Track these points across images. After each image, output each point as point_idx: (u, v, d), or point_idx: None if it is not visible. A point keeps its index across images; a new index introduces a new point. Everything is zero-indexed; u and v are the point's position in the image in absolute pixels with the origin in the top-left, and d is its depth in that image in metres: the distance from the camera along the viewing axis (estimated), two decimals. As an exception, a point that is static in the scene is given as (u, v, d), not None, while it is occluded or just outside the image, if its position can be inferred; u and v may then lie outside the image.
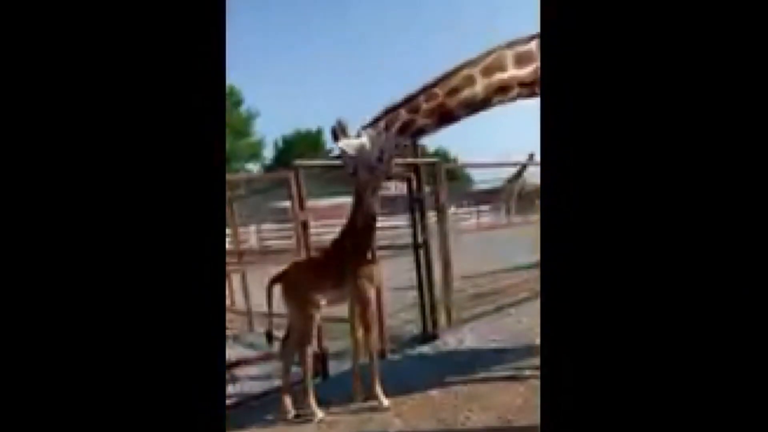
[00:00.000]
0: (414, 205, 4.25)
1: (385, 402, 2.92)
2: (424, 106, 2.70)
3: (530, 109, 3.17)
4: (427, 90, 2.70)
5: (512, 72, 2.70)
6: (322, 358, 3.54)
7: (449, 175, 5.47)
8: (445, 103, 2.69)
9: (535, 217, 6.81)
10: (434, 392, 3.08)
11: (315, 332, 2.94)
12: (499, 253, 6.62)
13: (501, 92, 2.72)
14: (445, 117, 2.74)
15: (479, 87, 2.68)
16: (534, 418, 2.59)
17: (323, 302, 2.89)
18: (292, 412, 2.89)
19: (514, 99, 2.81)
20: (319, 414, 2.86)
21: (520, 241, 6.76)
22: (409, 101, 2.72)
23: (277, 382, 3.18)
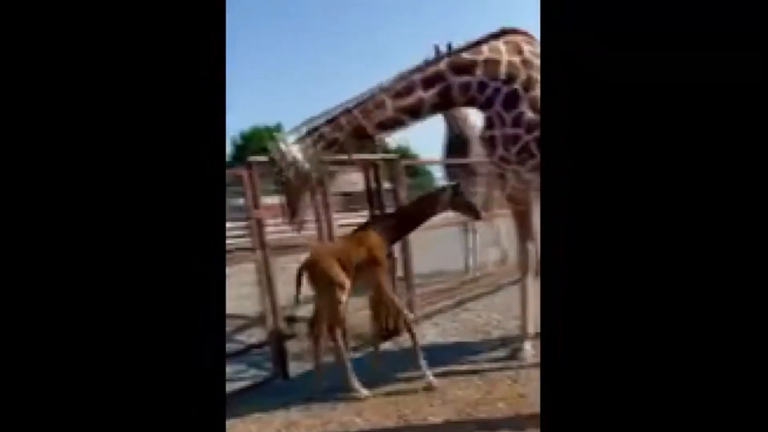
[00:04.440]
0: (373, 201, 4.23)
1: (435, 381, 3.00)
2: (346, 126, 2.98)
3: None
4: (347, 111, 2.99)
5: (419, 94, 3.00)
6: (281, 359, 3.49)
7: (410, 172, 5.49)
8: (363, 124, 2.98)
9: (499, 211, 6.92)
10: (396, 388, 3.09)
11: (344, 315, 3.08)
12: (461, 249, 6.71)
13: (412, 114, 3.03)
14: (363, 135, 3.04)
15: (390, 111, 2.99)
16: (491, 410, 2.64)
17: (348, 285, 3.02)
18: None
19: (430, 116, 3.11)
20: (364, 392, 2.99)
21: (484, 236, 6.86)
22: (332, 121, 3.00)
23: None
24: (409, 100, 2.98)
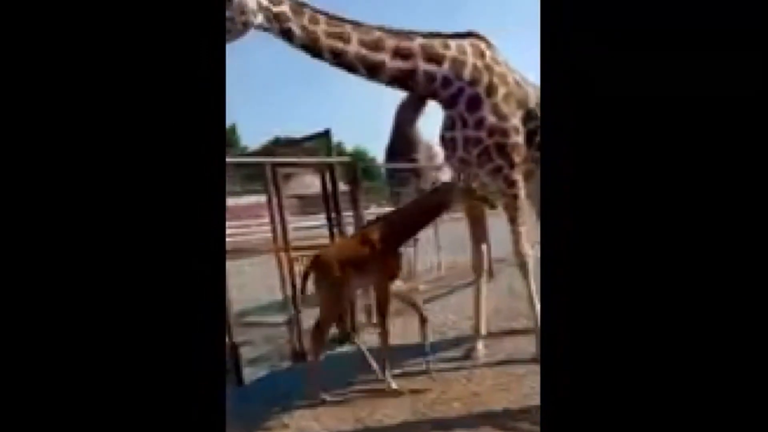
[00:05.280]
0: (329, 203, 4.22)
1: (394, 384, 3.01)
2: (305, 21, 2.84)
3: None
4: (315, 14, 2.87)
5: (384, 58, 2.95)
6: (235, 365, 3.41)
7: (367, 176, 5.51)
8: (319, 37, 2.86)
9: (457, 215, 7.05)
10: (352, 391, 3.09)
11: (337, 317, 3.10)
12: (420, 251, 6.81)
13: (369, 71, 2.96)
14: (311, 48, 2.89)
15: (351, 50, 2.90)
16: (446, 410, 2.69)
17: (350, 288, 3.01)
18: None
19: (383, 83, 3.03)
20: (325, 396, 2.98)
21: (442, 239, 6.97)
22: (300, 5, 2.85)
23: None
24: (373, 57, 2.93)
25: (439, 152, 6.14)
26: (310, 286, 3.08)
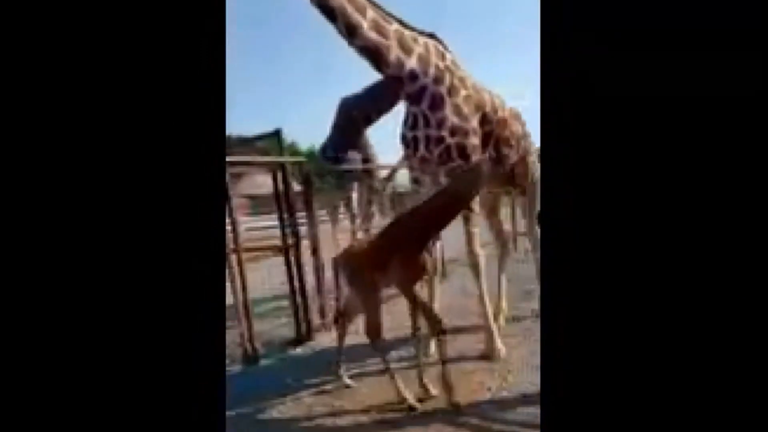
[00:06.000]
0: (281, 204, 4.15)
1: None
2: None
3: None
4: None
5: (362, 22, 2.94)
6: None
7: (321, 176, 5.46)
8: None
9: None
10: (306, 394, 3.05)
11: (379, 308, 3.02)
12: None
13: (348, 29, 2.91)
14: None
15: (336, 1, 2.85)
16: (400, 408, 2.70)
17: (379, 286, 2.89)
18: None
19: (353, 48, 2.98)
20: (347, 381, 3.09)
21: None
22: None
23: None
24: (354, 16, 2.89)
25: (377, 154, 6.26)
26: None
